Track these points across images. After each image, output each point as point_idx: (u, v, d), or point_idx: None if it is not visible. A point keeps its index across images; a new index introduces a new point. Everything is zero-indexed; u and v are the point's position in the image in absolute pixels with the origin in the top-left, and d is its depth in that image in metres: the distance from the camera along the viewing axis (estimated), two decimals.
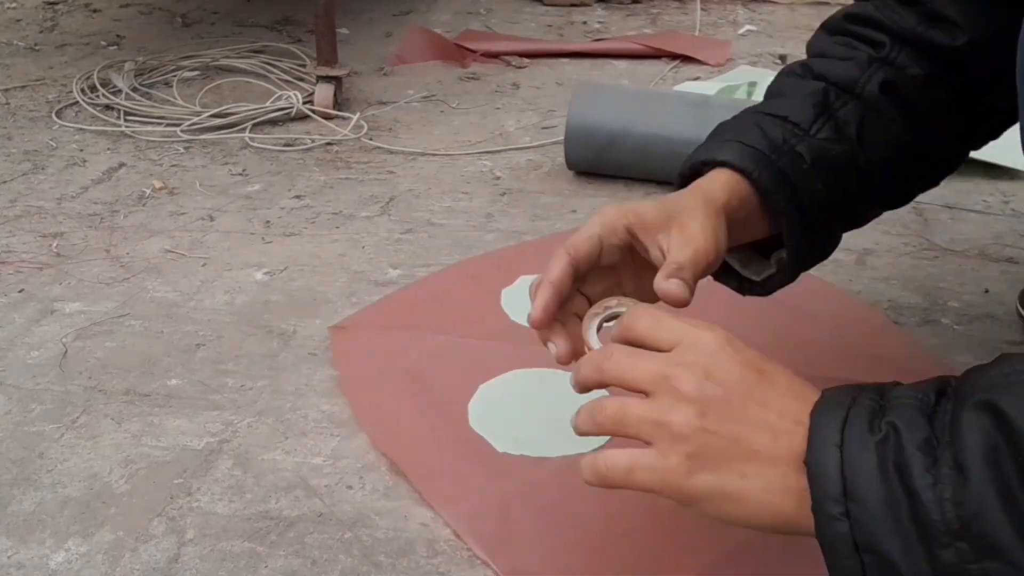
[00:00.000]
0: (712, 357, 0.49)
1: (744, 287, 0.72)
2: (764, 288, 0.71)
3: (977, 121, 0.74)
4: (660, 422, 0.48)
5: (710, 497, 0.48)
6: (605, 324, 0.60)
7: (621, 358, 0.52)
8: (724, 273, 0.71)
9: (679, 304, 0.57)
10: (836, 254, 0.74)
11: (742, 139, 0.65)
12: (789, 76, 0.73)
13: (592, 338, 0.58)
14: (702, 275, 0.61)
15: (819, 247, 0.71)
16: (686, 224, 0.61)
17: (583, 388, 0.55)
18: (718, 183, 0.64)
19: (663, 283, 0.57)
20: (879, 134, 0.69)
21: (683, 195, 0.64)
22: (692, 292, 0.58)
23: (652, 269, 0.60)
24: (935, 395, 0.45)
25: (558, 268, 0.61)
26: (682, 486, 0.48)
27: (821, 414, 0.46)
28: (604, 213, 0.64)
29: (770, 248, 0.71)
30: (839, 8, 0.77)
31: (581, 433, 0.54)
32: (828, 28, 0.76)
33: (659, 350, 0.51)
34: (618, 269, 0.64)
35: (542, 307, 0.60)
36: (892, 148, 0.69)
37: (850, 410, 0.45)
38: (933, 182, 0.76)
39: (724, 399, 0.48)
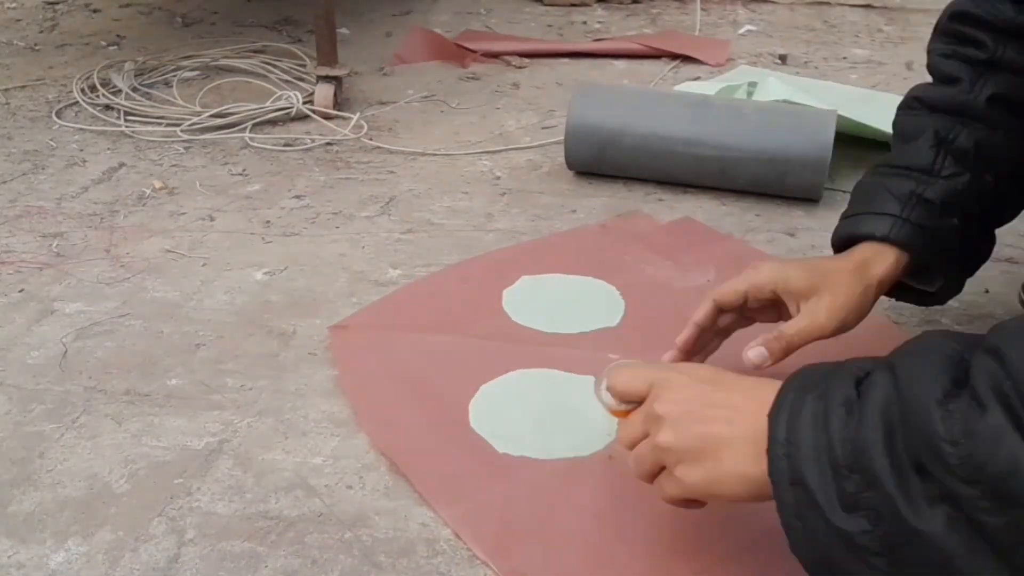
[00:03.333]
0: (669, 388, 0.61)
1: (924, 299, 0.84)
2: (938, 298, 0.84)
3: None
4: (654, 448, 0.61)
5: (706, 486, 0.58)
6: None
7: (624, 429, 0.65)
8: (901, 290, 0.82)
9: (754, 367, 0.72)
10: None
11: (875, 210, 0.78)
12: (906, 114, 0.84)
13: (601, 392, 0.68)
14: (825, 336, 0.74)
15: (973, 257, 0.83)
16: (822, 298, 0.74)
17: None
18: (871, 255, 0.77)
19: (747, 353, 0.73)
20: (998, 148, 0.78)
21: (839, 264, 0.77)
22: (780, 358, 0.73)
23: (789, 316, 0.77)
24: (873, 365, 0.53)
25: (703, 312, 0.78)
26: (685, 488, 0.59)
27: (788, 387, 0.56)
28: (756, 270, 0.78)
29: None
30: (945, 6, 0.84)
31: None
32: (939, 30, 0.85)
33: (640, 396, 0.63)
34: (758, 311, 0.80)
35: (682, 344, 0.79)
36: (1015, 152, 0.79)
37: (809, 378, 0.55)
38: None
39: (685, 412, 0.59)
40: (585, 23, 2.11)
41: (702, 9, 2.14)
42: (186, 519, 0.71)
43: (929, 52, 0.85)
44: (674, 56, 1.82)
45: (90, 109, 1.51)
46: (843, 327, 0.75)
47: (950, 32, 0.83)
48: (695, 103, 1.26)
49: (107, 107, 1.52)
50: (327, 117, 1.47)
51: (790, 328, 0.74)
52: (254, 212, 1.21)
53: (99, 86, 1.56)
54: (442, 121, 1.52)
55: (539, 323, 0.94)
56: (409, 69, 1.77)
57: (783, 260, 0.79)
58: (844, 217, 0.82)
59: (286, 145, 1.41)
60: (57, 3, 2.20)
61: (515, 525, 0.70)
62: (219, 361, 0.90)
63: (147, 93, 1.58)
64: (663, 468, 0.61)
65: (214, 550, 0.68)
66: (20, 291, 1.02)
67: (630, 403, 0.65)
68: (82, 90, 1.57)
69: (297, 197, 1.25)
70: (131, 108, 1.50)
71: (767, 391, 0.56)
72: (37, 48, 1.88)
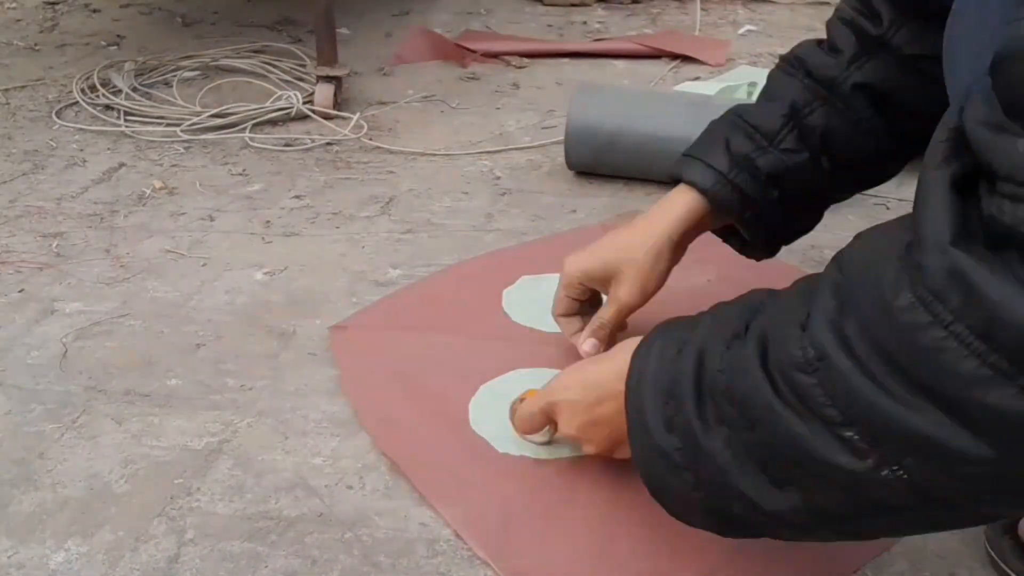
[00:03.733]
0: (561, 413, 0.72)
1: (745, 249, 0.86)
2: (755, 253, 0.86)
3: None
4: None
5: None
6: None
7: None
8: (730, 235, 0.86)
9: (589, 356, 0.80)
10: None
11: (708, 160, 0.81)
12: (782, 71, 0.84)
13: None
14: (635, 309, 0.82)
15: (792, 228, 0.85)
16: (621, 280, 0.81)
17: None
18: (681, 205, 0.81)
19: (582, 346, 0.82)
20: (846, 136, 0.79)
21: (634, 237, 0.82)
22: (611, 341, 0.82)
23: None
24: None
25: (561, 325, 0.88)
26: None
27: (652, 334, 0.63)
28: (565, 273, 0.84)
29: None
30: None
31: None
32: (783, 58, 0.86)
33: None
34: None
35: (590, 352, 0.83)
36: (859, 143, 0.80)
37: (668, 327, 0.63)
38: (905, 159, 0.84)
39: (580, 428, 0.71)
40: (585, 23, 2.11)
41: (702, 9, 2.15)
42: (186, 519, 0.71)
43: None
44: (674, 56, 1.82)
45: (90, 109, 1.51)
46: (646, 294, 0.81)
47: (784, 69, 0.83)
48: (695, 103, 1.26)
49: (107, 107, 1.52)
50: (327, 117, 1.47)
51: (603, 315, 0.82)
52: (254, 212, 1.21)
53: (99, 86, 1.56)
54: (442, 121, 1.52)
55: (539, 323, 0.94)
56: (409, 69, 1.77)
57: (585, 251, 0.84)
58: (684, 153, 0.84)
59: (286, 145, 1.41)
60: (57, 3, 2.20)
61: (515, 525, 0.70)
62: (219, 361, 0.90)
63: (147, 93, 1.58)
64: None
65: (214, 550, 0.68)
66: (20, 291, 1.02)
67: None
68: (82, 90, 1.57)
69: (297, 197, 1.25)
70: (131, 108, 1.50)
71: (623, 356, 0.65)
72: (37, 48, 1.88)
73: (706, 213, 0.81)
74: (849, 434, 0.47)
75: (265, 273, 1.06)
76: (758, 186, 0.79)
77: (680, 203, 0.82)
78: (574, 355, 0.89)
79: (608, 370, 0.67)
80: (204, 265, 1.08)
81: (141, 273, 1.06)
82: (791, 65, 0.83)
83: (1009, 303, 0.41)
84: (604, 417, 0.67)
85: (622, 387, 0.63)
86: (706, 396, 0.56)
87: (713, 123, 0.85)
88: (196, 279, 1.05)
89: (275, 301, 1.00)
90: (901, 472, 0.46)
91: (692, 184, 0.81)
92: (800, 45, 0.84)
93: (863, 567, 0.67)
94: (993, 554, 0.67)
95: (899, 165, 0.84)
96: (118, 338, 0.94)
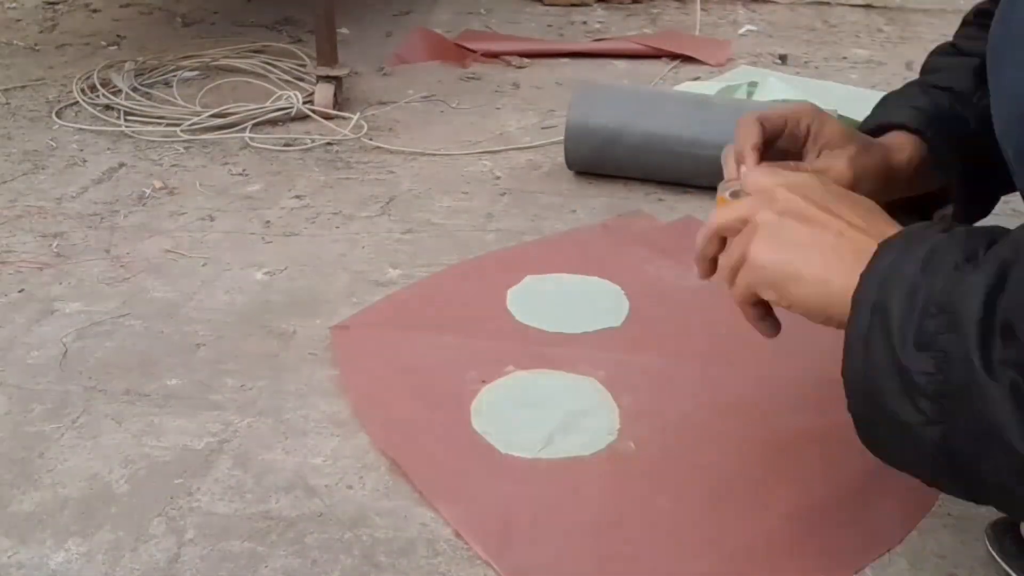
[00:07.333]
0: (804, 185, 0.60)
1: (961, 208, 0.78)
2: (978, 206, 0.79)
3: None
4: (752, 214, 0.60)
5: (782, 275, 0.57)
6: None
7: (723, 209, 0.64)
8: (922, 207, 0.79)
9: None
10: None
11: (914, 104, 0.76)
12: (941, 55, 0.82)
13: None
14: (838, 183, 0.68)
15: (983, 198, 0.78)
16: (846, 149, 0.72)
17: (701, 248, 0.69)
18: (898, 142, 0.74)
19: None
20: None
21: (870, 140, 0.74)
22: None
23: None
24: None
25: (755, 133, 0.72)
26: (757, 269, 0.58)
27: (914, 227, 0.54)
28: (798, 107, 0.75)
29: (930, 208, 0.80)
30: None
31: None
32: (965, 22, 0.83)
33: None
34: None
35: (752, 163, 0.72)
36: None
37: (939, 226, 0.53)
38: None
39: (798, 209, 0.58)
40: (585, 23, 2.11)
41: (702, 9, 2.14)
42: (186, 519, 0.71)
43: (954, 38, 0.83)
44: (674, 56, 1.82)
45: (90, 109, 1.51)
46: (858, 183, 0.71)
47: (975, 24, 0.81)
48: (695, 103, 1.26)
49: (107, 107, 1.52)
50: (327, 117, 1.47)
51: (809, 164, 0.73)
52: (254, 212, 1.21)
53: (99, 86, 1.56)
54: (442, 121, 1.52)
55: (543, 323, 0.94)
56: (409, 69, 1.77)
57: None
58: (875, 107, 0.80)
59: (286, 145, 1.41)
60: (57, 3, 2.20)
61: (516, 525, 0.70)
62: (219, 361, 0.90)
63: (147, 93, 1.58)
64: (743, 261, 0.60)
65: (214, 550, 0.68)
66: (20, 291, 1.02)
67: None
68: (82, 90, 1.57)
69: (297, 197, 1.25)
70: (131, 108, 1.50)
71: (884, 223, 0.57)
72: (37, 48, 1.88)
73: (918, 157, 0.74)
74: None
75: (265, 273, 1.06)
76: (968, 134, 0.73)
77: (898, 142, 0.74)
78: (577, 356, 0.89)
79: (866, 220, 0.57)
80: (204, 265, 1.08)
81: (141, 273, 1.06)
82: (947, 52, 0.81)
83: None
84: (820, 242, 0.56)
85: (862, 249, 0.53)
86: (996, 329, 0.46)
87: (892, 92, 0.81)
88: (196, 279, 1.05)
89: (275, 301, 1.00)
90: None
91: (904, 127, 0.75)
92: (944, 44, 0.83)
93: (864, 567, 0.67)
94: (994, 553, 0.67)
95: None
96: (118, 338, 0.94)
